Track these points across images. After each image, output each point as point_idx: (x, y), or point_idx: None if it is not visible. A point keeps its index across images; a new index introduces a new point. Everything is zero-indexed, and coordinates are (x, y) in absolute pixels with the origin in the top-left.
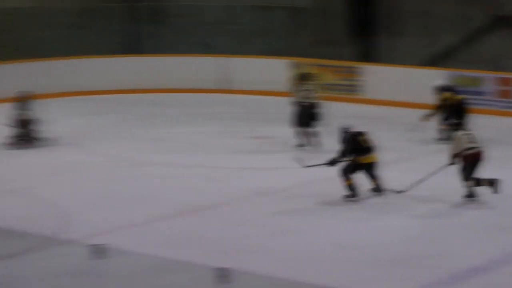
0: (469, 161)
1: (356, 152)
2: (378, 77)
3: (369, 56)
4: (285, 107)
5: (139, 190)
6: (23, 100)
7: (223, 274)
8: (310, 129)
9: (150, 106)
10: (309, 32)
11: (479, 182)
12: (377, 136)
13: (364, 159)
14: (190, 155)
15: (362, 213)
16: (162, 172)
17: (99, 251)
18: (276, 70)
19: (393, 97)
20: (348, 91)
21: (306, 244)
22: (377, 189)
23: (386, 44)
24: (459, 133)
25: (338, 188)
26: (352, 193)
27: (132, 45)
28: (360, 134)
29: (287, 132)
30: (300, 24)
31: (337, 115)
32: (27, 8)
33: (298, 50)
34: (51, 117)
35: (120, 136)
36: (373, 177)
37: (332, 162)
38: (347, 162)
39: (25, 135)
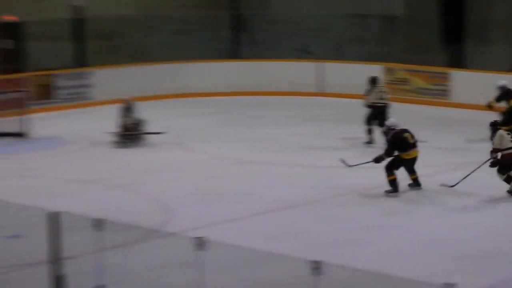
0: (507, 160)
1: (400, 149)
2: (466, 82)
3: (458, 62)
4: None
5: (238, 187)
6: (128, 103)
7: (316, 267)
8: (381, 128)
9: (250, 107)
10: (401, 39)
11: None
12: (462, 138)
13: (407, 155)
14: (286, 154)
15: (442, 210)
16: (259, 169)
17: (200, 243)
18: (370, 75)
19: (480, 101)
20: (438, 95)
21: (391, 239)
22: (416, 184)
23: (474, 50)
24: (503, 132)
25: (425, 187)
26: (393, 188)
27: (234, 50)
28: (404, 131)
29: (378, 134)
30: (392, 31)
31: (426, 117)
32: (137, 16)
33: (391, 56)
34: (157, 117)
35: (221, 135)
36: (412, 172)
37: (377, 159)
38: (392, 158)
39: (131, 135)
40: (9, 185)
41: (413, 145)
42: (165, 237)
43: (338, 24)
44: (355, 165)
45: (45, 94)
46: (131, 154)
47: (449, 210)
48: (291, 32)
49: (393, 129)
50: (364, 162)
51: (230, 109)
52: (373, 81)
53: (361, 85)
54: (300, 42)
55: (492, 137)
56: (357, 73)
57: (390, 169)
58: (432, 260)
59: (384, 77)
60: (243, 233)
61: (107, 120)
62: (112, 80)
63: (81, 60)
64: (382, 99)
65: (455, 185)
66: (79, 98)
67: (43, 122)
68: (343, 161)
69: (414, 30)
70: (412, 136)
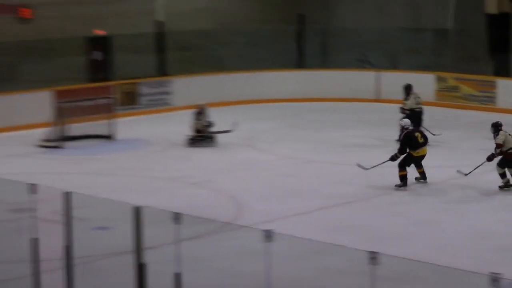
0: (509, 159)
1: (410, 147)
2: (510, 89)
3: (503, 71)
4: (431, 115)
5: (303, 184)
6: (200, 108)
7: (373, 257)
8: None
9: (315, 112)
10: (452, 50)
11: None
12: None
13: (416, 153)
14: (347, 154)
15: (489, 206)
16: (323, 168)
17: (268, 235)
18: (423, 83)
19: None
20: (485, 101)
21: (441, 232)
22: (422, 177)
23: None
24: (505, 132)
25: (473, 184)
26: (403, 183)
27: (300, 61)
28: (415, 131)
29: (430, 136)
30: (444, 43)
31: (474, 121)
32: (213, 29)
33: (443, 65)
34: (229, 121)
35: (289, 138)
36: (420, 166)
37: (392, 158)
38: (404, 156)
39: (202, 136)
40: (98, 182)
41: (423, 144)
42: (237, 230)
43: (395, 36)
44: (374, 166)
45: (130, 100)
46: (207, 154)
47: (495, 206)
48: (352, 44)
49: (407, 128)
50: (381, 162)
51: (297, 114)
52: (408, 88)
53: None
54: (361, 53)
55: (495, 136)
56: (411, 82)
57: (402, 166)
58: (479, 251)
59: (436, 85)
60: (307, 226)
61: (185, 124)
62: (190, 88)
63: (163, 70)
64: (418, 104)
65: (468, 173)
66: (160, 104)
67: (129, 125)
68: (360, 166)
69: (464, 42)
70: (422, 136)
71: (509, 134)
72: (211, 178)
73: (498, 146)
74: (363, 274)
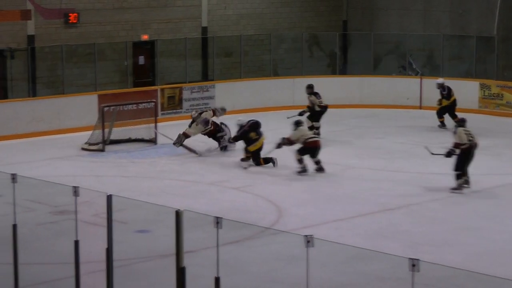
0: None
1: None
2: None
3: None
4: (474, 123)
5: (345, 190)
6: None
7: (414, 264)
8: None
9: (358, 119)
10: (496, 58)
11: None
12: None
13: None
14: (390, 160)
15: None
16: (365, 174)
17: (308, 240)
18: (467, 90)
19: None
20: None
21: (482, 239)
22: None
23: None
24: (462, 129)
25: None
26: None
27: (344, 67)
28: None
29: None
30: (488, 50)
31: None
32: (256, 35)
33: (486, 73)
34: (272, 127)
35: (332, 143)
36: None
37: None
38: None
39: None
40: (140, 185)
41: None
42: (277, 235)
43: (439, 43)
44: (436, 154)
45: (173, 105)
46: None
47: None
48: (395, 51)
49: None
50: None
51: (340, 120)
52: (310, 88)
53: (460, 100)
54: (404, 60)
55: (454, 132)
56: (456, 89)
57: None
58: None
59: (480, 93)
60: (347, 232)
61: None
62: (232, 93)
63: (206, 75)
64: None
65: (435, 154)
66: (203, 109)
67: (171, 129)
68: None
69: (508, 50)
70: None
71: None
72: (251, 183)
73: (455, 145)
74: (403, 280)
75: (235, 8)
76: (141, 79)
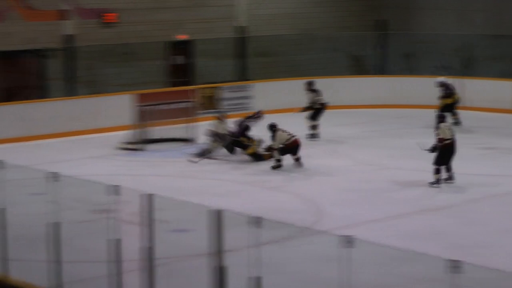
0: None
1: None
2: None
3: None
4: (510, 123)
5: (382, 190)
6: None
7: (455, 266)
8: None
9: (394, 119)
10: None
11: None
12: None
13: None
14: (427, 162)
15: None
16: (402, 175)
17: (348, 241)
18: (503, 90)
19: None
20: None
21: None
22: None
23: None
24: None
25: None
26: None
27: (380, 67)
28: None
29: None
30: None
31: None
32: (292, 35)
33: None
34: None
35: (368, 144)
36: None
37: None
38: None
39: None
40: (178, 184)
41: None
42: (316, 235)
43: (475, 43)
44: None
45: (211, 105)
46: (288, 159)
47: None
48: (431, 50)
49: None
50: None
51: (376, 120)
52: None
53: (497, 100)
54: (439, 60)
55: (436, 128)
56: (492, 89)
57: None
58: None
59: None
60: (385, 232)
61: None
62: (269, 92)
63: (242, 75)
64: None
65: (426, 150)
66: (240, 108)
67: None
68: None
69: None
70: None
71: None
72: (290, 183)
73: (439, 140)
74: (443, 282)
75: (270, 8)
76: (178, 79)
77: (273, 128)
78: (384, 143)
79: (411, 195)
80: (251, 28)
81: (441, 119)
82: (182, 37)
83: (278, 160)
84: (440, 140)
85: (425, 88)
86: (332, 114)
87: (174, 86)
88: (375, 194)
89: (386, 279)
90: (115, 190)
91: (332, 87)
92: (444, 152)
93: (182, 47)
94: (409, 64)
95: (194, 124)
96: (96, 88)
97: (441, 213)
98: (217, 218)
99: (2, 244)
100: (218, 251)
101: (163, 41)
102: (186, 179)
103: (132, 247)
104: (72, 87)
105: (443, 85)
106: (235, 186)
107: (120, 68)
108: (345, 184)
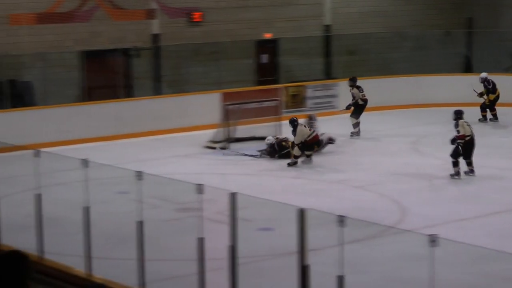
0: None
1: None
2: None
3: None
4: None
5: (467, 189)
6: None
7: None
8: None
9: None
10: None
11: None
12: None
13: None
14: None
15: None
16: (489, 174)
17: (432, 240)
18: None
19: None
20: None
21: None
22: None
23: None
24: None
25: None
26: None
27: (467, 65)
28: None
29: None
30: None
31: None
32: (379, 33)
33: None
34: (393, 126)
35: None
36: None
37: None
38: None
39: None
40: (263, 183)
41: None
42: (400, 234)
43: None
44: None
45: (297, 103)
46: (373, 158)
47: None
48: None
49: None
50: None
51: (466, 118)
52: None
53: None
54: None
55: (456, 125)
56: None
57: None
58: None
59: None
60: (471, 232)
61: (348, 128)
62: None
63: (328, 73)
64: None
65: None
66: (326, 107)
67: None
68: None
69: None
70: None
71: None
72: (375, 182)
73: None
74: None
75: (358, 6)
76: (264, 78)
77: (294, 123)
78: None
79: (499, 194)
80: (339, 27)
81: (459, 115)
82: (269, 35)
83: (296, 157)
84: (461, 137)
85: None
86: (419, 113)
87: (260, 84)
88: (462, 193)
89: (471, 278)
90: (200, 188)
91: (420, 85)
92: (464, 148)
93: (269, 46)
94: (499, 62)
95: (280, 122)
96: (183, 87)
97: None
98: (301, 216)
99: (86, 243)
100: (302, 250)
101: (250, 40)
102: (271, 177)
103: (216, 246)
104: (159, 86)
105: (485, 80)
106: (320, 184)
107: (207, 67)
108: (432, 183)
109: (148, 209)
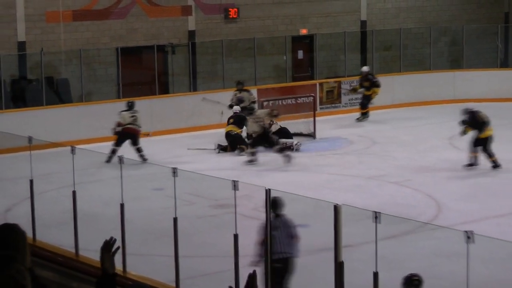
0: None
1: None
2: None
3: None
4: None
5: (504, 185)
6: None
7: None
8: None
9: None
10: None
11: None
12: None
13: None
14: None
15: None
16: None
17: (469, 236)
18: None
19: None
20: None
21: None
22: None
23: None
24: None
25: None
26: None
27: (506, 60)
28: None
29: None
30: None
31: None
32: (415, 28)
33: None
34: (430, 121)
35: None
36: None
37: None
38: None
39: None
40: (299, 179)
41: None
42: (436, 230)
43: None
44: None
45: (332, 99)
46: (407, 154)
47: None
48: None
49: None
50: None
51: (501, 113)
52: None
53: None
54: None
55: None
56: None
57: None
58: None
59: None
60: (509, 228)
61: (384, 124)
62: (392, 86)
63: None
64: None
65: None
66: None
67: (330, 124)
68: None
69: None
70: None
71: None
72: (410, 177)
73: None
74: None
75: (395, 2)
76: (300, 74)
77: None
78: (508, 137)
79: None
80: (376, 22)
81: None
82: (305, 31)
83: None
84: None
85: None
86: (456, 108)
87: (295, 80)
88: (500, 189)
89: (507, 274)
90: (235, 185)
91: (456, 81)
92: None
93: (305, 42)
94: None
95: (315, 119)
96: (219, 83)
97: None
98: (337, 213)
99: (121, 239)
100: (337, 246)
101: (286, 35)
102: (307, 173)
103: (251, 242)
104: (195, 82)
105: (369, 74)
106: (356, 180)
107: (243, 63)
108: (468, 179)
109: (183, 206)
